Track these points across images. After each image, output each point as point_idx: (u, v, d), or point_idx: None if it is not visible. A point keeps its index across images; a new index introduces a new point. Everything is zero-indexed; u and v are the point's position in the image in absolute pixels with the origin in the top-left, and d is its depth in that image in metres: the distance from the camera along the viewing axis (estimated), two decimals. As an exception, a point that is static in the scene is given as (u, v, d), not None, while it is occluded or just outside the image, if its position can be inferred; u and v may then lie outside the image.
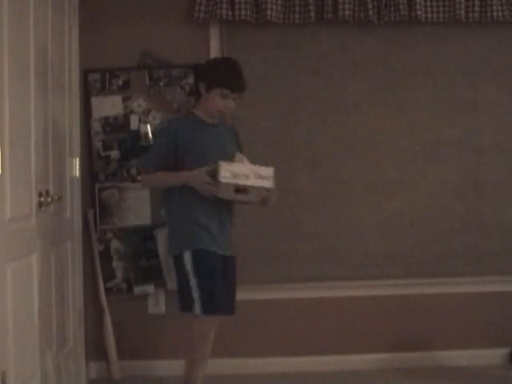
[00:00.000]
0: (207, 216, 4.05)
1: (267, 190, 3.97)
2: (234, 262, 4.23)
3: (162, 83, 4.97)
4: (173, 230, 4.15)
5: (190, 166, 4.01)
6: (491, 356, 5.05)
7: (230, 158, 4.06)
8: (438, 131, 5.05)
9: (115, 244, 4.97)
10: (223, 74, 4.05)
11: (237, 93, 4.09)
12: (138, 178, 4.47)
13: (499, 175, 5.06)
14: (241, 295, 4.83)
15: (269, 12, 4.82)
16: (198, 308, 4.01)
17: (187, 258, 4.01)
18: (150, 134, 4.95)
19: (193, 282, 4.01)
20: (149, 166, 4.11)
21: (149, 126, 4.96)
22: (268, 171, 3.98)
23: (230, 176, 3.88)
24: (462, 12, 4.90)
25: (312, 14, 4.87)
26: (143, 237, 4.98)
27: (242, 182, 3.91)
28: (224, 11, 4.82)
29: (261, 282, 4.99)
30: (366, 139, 5.03)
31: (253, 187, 3.93)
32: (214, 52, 4.97)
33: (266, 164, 3.99)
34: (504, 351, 5.07)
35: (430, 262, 5.04)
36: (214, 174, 3.88)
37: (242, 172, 3.92)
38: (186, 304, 4.07)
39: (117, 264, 4.98)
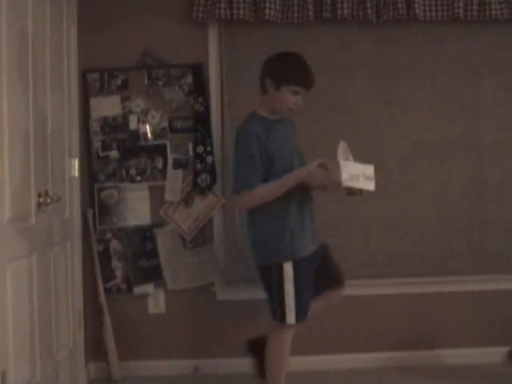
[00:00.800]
0: (295, 219, 3.97)
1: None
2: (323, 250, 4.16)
3: (160, 83, 4.97)
4: (265, 239, 3.98)
5: (280, 169, 3.91)
6: (492, 354, 5.05)
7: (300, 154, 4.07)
8: (439, 130, 5.04)
9: (115, 244, 4.97)
10: (295, 71, 3.93)
11: (309, 89, 3.97)
12: (239, 201, 4.01)
13: (501, 174, 5.06)
14: (245, 295, 4.87)
15: (267, 11, 4.82)
16: (292, 317, 3.95)
17: (288, 269, 3.91)
18: (149, 134, 4.95)
19: (291, 292, 3.92)
20: (251, 186, 3.86)
21: (148, 126, 4.96)
22: (370, 170, 3.87)
23: (348, 178, 3.73)
24: (461, 10, 4.90)
25: (310, 13, 4.87)
26: (143, 237, 4.98)
27: (358, 185, 3.78)
28: (222, 11, 4.82)
29: (258, 281, 4.99)
30: (366, 138, 5.01)
31: (362, 190, 3.82)
32: (213, 52, 4.97)
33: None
34: (505, 349, 5.07)
35: (433, 260, 5.03)
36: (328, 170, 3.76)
37: (355, 172, 3.78)
38: (282, 314, 3.96)
39: (116, 264, 4.98)
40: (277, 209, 3.92)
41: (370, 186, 3.84)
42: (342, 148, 3.90)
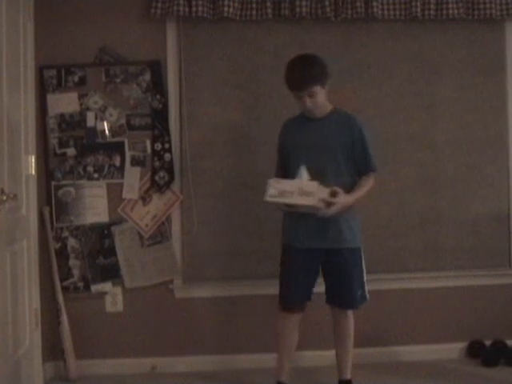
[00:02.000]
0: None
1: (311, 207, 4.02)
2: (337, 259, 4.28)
3: (118, 80, 4.94)
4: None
5: (290, 165, 4.26)
6: (449, 350, 5.12)
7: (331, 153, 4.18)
8: (395, 127, 5.08)
9: (72, 242, 4.93)
10: (285, 76, 4.15)
11: (299, 92, 4.12)
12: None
13: (455, 171, 5.11)
14: (204, 293, 4.87)
15: (226, 8, 4.82)
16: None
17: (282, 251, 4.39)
18: (107, 132, 4.92)
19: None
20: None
21: (105, 123, 4.93)
22: (312, 187, 4.01)
23: (276, 194, 4.01)
24: (418, 10, 4.94)
25: (269, 11, 4.88)
26: (100, 235, 4.95)
27: (287, 200, 4.01)
28: (181, 7, 4.80)
29: (216, 279, 4.99)
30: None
31: (297, 205, 4.02)
32: (171, 49, 4.95)
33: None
34: (462, 345, 5.13)
35: (388, 257, 5.07)
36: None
37: (288, 189, 4.01)
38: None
39: (74, 262, 4.94)
40: None
41: (309, 200, 3.98)
42: (300, 172, 4.13)
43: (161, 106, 4.94)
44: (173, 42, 4.96)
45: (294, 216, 4.21)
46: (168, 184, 4.92)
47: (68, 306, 4.88)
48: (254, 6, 4.90)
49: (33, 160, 4.75)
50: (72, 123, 4.93)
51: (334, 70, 4.96)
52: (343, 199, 4.05)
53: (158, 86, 4.94)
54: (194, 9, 4.82)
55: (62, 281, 4.90)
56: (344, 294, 4.28)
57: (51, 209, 4.92)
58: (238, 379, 4.78)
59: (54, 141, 4.92)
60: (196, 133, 4.93)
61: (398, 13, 4.98)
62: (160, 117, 4.94)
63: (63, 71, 4.92)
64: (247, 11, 4.91)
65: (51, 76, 4.92)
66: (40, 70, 4.89)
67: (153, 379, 4.83)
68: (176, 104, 4.96)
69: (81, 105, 4.93)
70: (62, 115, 4.93)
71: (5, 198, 3.89)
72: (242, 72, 5.00)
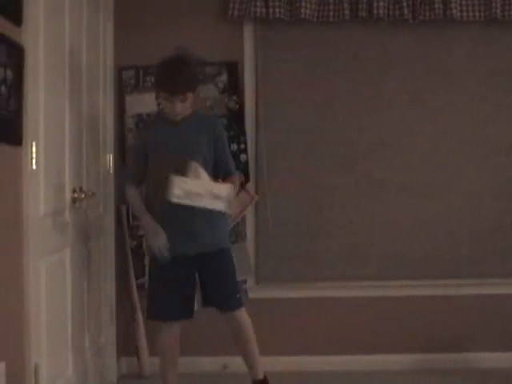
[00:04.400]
0: (161, 220, 4.07)
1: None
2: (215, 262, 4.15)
3: (195, 81, 4.97)
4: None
5: (151, 169, 4.05)
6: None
7: (191, 157, 3.91)
8: (473, 131, 5.00)
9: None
10: (156, 78, 4.06)
11: (172, 95, 3.92)
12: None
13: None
14: (277, 294, 4.87)
15: (303, 10, 4.81)
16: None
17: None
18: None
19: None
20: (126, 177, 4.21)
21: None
22: (224, 191, 3.83)
23: (182, 195, 3.72)
24: (498, 10, 4.86)
25: (346, 12, 4.86)
26: (175, 234, 4.98)
27: (195, 203, 3.76)
28: (258, 9, 4.82)
29: (290, 280, 4.99)
30: (400, 139, 5.00)
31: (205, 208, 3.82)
32: (248, 50, 4.97)
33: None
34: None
35: (465, 262, 4.99)
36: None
37: (195, 190, 3.75)
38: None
39: (148, 260, 4.99)
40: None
41: (220, 205, 3.80)
42: (194, 169, 3.82)
43: (237, 106, 4.96)
44: (250, 43, 4.99)
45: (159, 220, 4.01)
46: (243, 185, 4.94)
47: (143, 303, 4.92)
48: (332, 7, 4.88)
49: (111, 159, 4.83)
50: (149, 123, 4.98)
51: (412, 72, 4.95)
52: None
53: (234, 86, 4.97)
54: (271, 10, 4.83)
55: (137, 278, 4.96)
56: (226, 295, 4.18)
57: (128, 207, 4.98)
58: (307, 381, 4.78)
59: (131, 140, 4.98)
60: (272, 134, 4.94)
61: (476, 14, 4.90)
62: (236, 117, 4.96)
63: (141, 72, 4.99)
64: (324, 12, 4.90)
65: (129, 77, 4.99)
66: (119, 71, 4.97)
67: (224, 378, 4.85)
68: (252, 105, 4.98)
69: (158, 105, 4.98)
70: (139, 115, 4.99)
71: (83, 195, 3.96)
72: (318, 73, 4.99)
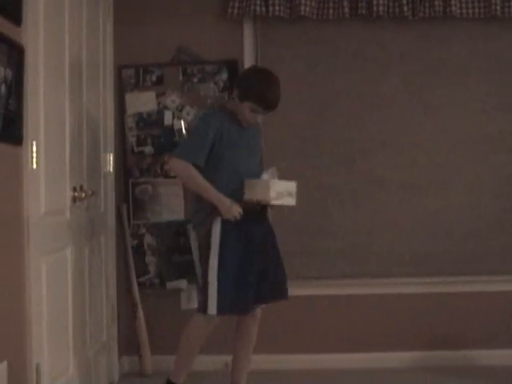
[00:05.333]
0: None
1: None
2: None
3: (195, 79, 4.98)
4: None
5: (224, 167, 3.97)
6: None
7: (257, 161, 4.12)
8: (474, 128, 5.00)
9: (148, 239, 5.00)
10: (260, 92, 3.89)
11: (267, 111, 3.97)
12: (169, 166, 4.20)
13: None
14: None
15: (302, 8, 4.81)
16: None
17: None
18: (184, 130, 4.97)
19: None
20: (186, 158, 3.92)
21: (182, 122, 4.97)
22: (295, 187, 4.01)
23: (275, 196, 3.91)
24: (498, 7, 4.85)
25: (346, 10, 4.86)
26: (176, 232, 5.00)
27: (283, 203, 3.97)
28: (257, 7, 4.82)
29: (293, 278, 4.98)
30: (401, 136, 5.00)
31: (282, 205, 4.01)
32: (248, 48, 4.97)
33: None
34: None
35: (465, 260, 5.00)
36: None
37: (281, 190, 3.94)
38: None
39: (150, 259, 5.01)
40: None
41: (292, 201, 4.00)
42: (271, 173, 4.00)
43: (237, 105, 4.97)
44: (249, 41, 4.99)
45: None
46: (243, 183, 4.94)
47: (144, 302, 4.94)
48: (331, 5, 4.88)
49: (111, 158, 4.84)
50: (149, 122, 4.99)
51: (412, 69, 4.96)
52: None
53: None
54: (270, 8, 4.84)
55: (138, 277, 4.97)
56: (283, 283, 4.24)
57: (128, 206, 4.99)
58: (309, 379, 4.79)
59: (132, 139, 4.99)
60: (271, 132, 4.93)
61: (476, 11, 4.90)
62: (236, 116, 4.96)
63: (141, 71, 4.99)
64: (324, 10, 4.90)
65: (129, 75, 4.99)
66: (119, 70, 4.98)
67: (226, 376, 4.84)
68: (252, 103, 4.98)
69: (158, 104, 4.99)
70: (139, 114, 5.00)
71: (84, 194, 3.97)
72: (317, 72, 4.99)
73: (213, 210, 3.92)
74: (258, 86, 3.91)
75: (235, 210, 3.88)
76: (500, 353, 4.99)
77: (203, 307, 3.96)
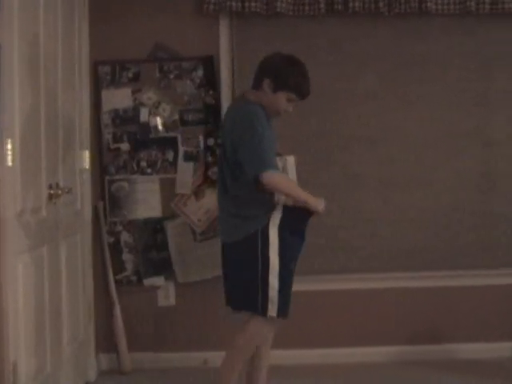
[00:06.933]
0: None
1: None
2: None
3: (171, 76, 4.97)
4: None
5: None
6: (504, 349, 5.04)
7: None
8: (451, 124, 5.03)
9: (125, 236, 4.98)
10: (298, 81, 3.83)
11: (303, 99, 3.90)
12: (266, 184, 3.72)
13: (511, 167, 5.04)
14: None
15: (278, 3, 4.81)
16: None
17: None
18: (160, 127, 4.96)
19: None
20: (274, 164, 3.75)
21: (159, 119, 4.96)
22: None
23: None
24: (473, 4, 4.88)
25: (322, 6, 4.86)
26: (153, 229, 4.99)
27: None
28: (234, 3, 4.81)
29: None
30: (378, 132, 5.01)
31: None
32: (224, 44, 4.97)
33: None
34: (515, 344, 5.08)
35: (445, 255, 5.02)
36: None
37: None
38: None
39: (127, 256, 4.99)
40: None
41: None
42: (291, 163, 3.95)
43: (214, 101, 4.96)
44: (226, 37, 4.98)
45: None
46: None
47: (121, 299, 4.93)
48: (307, 1, 4.88)
49: (87, 155, 4.82)
50: (126, 118, 4.97)
51: (388, 65, 4.98)
52: None
53: (211, 81, 4.97)
54: (246, 4, 4.83)
55: (115, 274, 4.95)
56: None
57: (105, 203, 4.97)
58: (289, 374, 4.79)
59: (108, 136, 4.97)
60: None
61: (452, 7, 4.92)
62: (213, 112, 4.96)
63: (117, 67, 4.97)
64: (300, 6, 4.90)
65: (106, 72, 4.97)
66: (95, 66, 4.95)
67: (204, 373, 4.85)
68: (229, 99, 4.96)
69: (134, 100, 4.97)
70: (116, 111, 4.98)
71: (60, 192, 3.95)
72: (294, 67, 4.99)
73: (270, 208, 3.83)
74: (296, 75, 3.83)
75: (322, 203, 3.83)
76: (483, 346, 5.04)
77: (262, 309, 3.79)
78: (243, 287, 3.84)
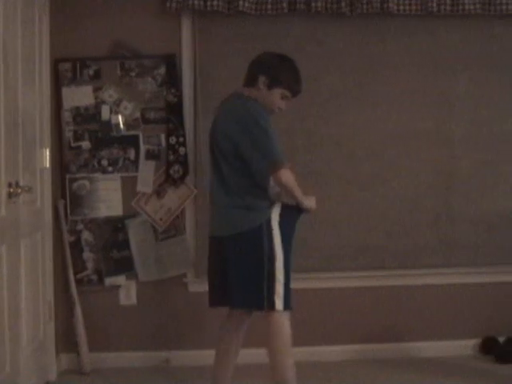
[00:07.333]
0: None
1: None
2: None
3: (133, 73, 4.94)
4: None
5: None
6: (463, 347, 5.11)
7: None
8: (411, 124, 5.07)
9: (86, 235, 4.95)
10: (292, 77, 3.89)
11: (295, 97, 3.95)
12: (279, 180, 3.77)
13: (469, 167, 5.10)
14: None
15: (241, 3, 4.81)
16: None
17: None
18: (122, 125, 4.93)
19: None
20: (284, 160, 3.77)
21: (120, 117, 4.93)
22: None
23: None
24: (434, 4, 4.92)
25: (284, 5, 4.86)
26: (114, 228, 4.96)
27: None
28: (196, 1, 4.80)
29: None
30: (339, 131, 5.04)
31: None
32: (186, 42, 4.95)
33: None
34: (476, 342, 5.12)
35: (402, 253, 5.07)
36: None
37: None
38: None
39: (88, 255, 4.96)
40: None
41: None
42: None
43: (175, 99, 4.95)
44: (188, 35, 4.96)
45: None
46: (182, 178, 4.93)
47: (82, 298, 4.89)
48: (270, 0, 4.89)
49: (48, 153, 4.77)
50: (87, 116, 4.94)
51: (350, 65, 5.00)
52: None
53: (172, 79, 4.95)
54: (209, 3, 4.82)
55: (75, 274, 4.92)
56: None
57: (66, 202, 4.93)
58: (249, 373, 4.79)
59: (68, 134, 4.93)
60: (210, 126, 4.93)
61: (413, 8, 4.96)
62: (175, 110, 4.94)
63: (78, 65, 4.93)
64: (262, 5, 4.90)
65: (66, 69, 4.93)
66: (55, 64, 4.91)
67: (166, 372, 4.84)
68: (191, 98, 4.96)
69: (96, 98, 4.94)
70: (77, 108, 4.94)
71: (19, 190, 3.90)
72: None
73: (272, 201, 3.85)
74: (290, 72, 3.90)
75: (314, 202, 3.91)
76: (441, 344, 5.11)
77: (269, 304, 3.79)
78: (247, 282, 3.81)
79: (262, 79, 3.87)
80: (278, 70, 3.89)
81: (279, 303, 3.79)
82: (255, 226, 3.78)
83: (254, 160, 3.73)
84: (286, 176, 3.75)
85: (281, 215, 3.84)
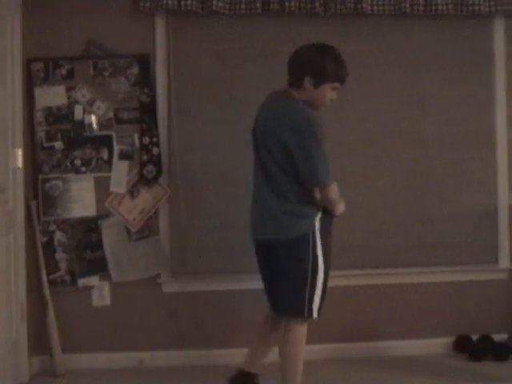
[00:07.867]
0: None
1: None
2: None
3: (106, 73, 4.92)
4: None
5: None
6: (436, 345, 5.13)
7: None
8: (384, 123, 5.07)
9: (59, 236, 4.92)
10: (336, 68, 3.87)
11: (343, 83, 3.94)
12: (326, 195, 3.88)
13: (443, 167, 5.12)
14: (191, 287, 4.85)
15: (215, 2, 4.80)
16: None
17: None
18: (95, 125, 4.91)
19: None
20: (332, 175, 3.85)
21: (93, 117, 4.91)
22: None
23: None
24: (407, 5, 4.94)
25: (258, 5, 4.86)
26: (87, 228, 4.93)
27: None
28: (170, 1, 4.79)
29: (205, 273, 4.98)
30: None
31: None
32: (160, 42, 4.93)
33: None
34: (449, 340, 5.14)
35: (377, 253, 5.07)
36: None
37: None
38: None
39: (61, 256, 4.93)
40: None
41: None
42: None
43: (149, 99, 4.93)
44: (162, 35, 4.95)
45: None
46: (156, 178, 4.91)
47: (54, 299, 4.86)
48: (243, 0, 4.88)
49: (20, 153, 4.74)
50: (60, 116, 4.91)
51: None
52: None
53: (146, 79, 4.93)
54: (182, 2, 4.81)
55: (48, 274, 4.89)
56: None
57: (38, 202, 4.90)
58: (224, 374, 4.78)
59: (41, 134, 4.90)
60: (184, 127, 4.92)
61: (387, 8, 4.98)
62: (148, 110, 4.92)
63: (51, 64, 4.90)
64: (236, 5, 4.90)
65: (38, 69, 4.89)
66: (27, 63, 4.87)
67: (140, 373, 4.83)
68: (164, 98, 4.95)
69: (68, 98, 4.91)
70: (49, 108, 4.91)
71: (-9, 191, 3.89)
72: (230, 66, 4.98)
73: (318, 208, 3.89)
74: (333, 63, 3.87)
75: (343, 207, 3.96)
76: (416, 343, 5.13)
77: (308, 312, 3.85)
78: (291, 289, 3.86)
79: (307, 80, 3.86)
80: (321, 66, 3.86)
81: (315, 312, 3.87)
82: (304, 234, 3.82)
83: (306, 172, 3.77)
84: (333, 191, 3.84)
85: (321, 221, 3.88)
